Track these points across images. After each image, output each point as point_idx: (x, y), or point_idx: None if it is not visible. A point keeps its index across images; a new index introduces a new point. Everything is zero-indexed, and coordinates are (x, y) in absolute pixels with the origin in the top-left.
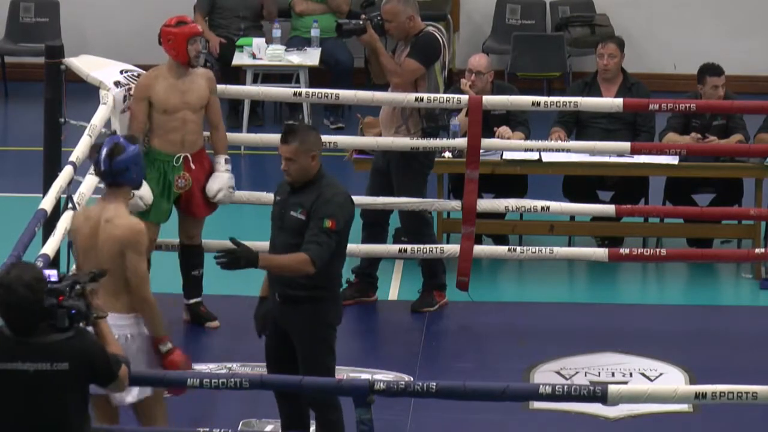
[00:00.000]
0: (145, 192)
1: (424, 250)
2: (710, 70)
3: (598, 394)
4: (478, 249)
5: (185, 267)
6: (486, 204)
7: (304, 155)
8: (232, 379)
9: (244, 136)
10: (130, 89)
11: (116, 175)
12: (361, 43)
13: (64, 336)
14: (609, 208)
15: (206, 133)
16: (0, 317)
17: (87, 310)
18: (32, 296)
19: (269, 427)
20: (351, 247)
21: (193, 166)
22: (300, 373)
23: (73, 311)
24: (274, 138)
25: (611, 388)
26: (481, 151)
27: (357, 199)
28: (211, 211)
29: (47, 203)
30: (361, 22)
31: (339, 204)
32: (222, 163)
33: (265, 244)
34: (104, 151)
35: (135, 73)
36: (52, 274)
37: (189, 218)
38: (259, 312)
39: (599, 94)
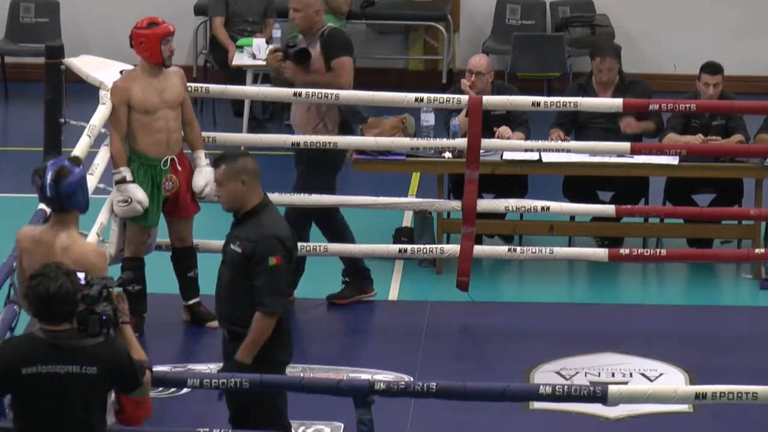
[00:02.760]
0: (141, 196)
1: (424, 250)
2: (706, 67)
3: (598, 394)
4: (479, 249)
5: (180, 269)
6: (486, 204)
7: (233, 179)
8: (233, 380)
9: (244, 137)
10: None
11: (64, 200)
12: (295, 70)
13: (95, 341)
14: (609, 209)
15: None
16: (37, 310)
17: (115, 316)
18: (71, 284)
19: None
20: (350, 247)
21: (179, 168)
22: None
23: (104, 317)
24: (274, 138)
25: (611, 388)
26: (481, 151)
27: (353, 199)
28: (197, 209)
29: None
30: (293, 49)
31: (280, 237)
32: (202, 158)
33: None
34: (49, 176)
35: None
36: (80, 275)
37: (178, 220)
38: None
39: (594, 97)
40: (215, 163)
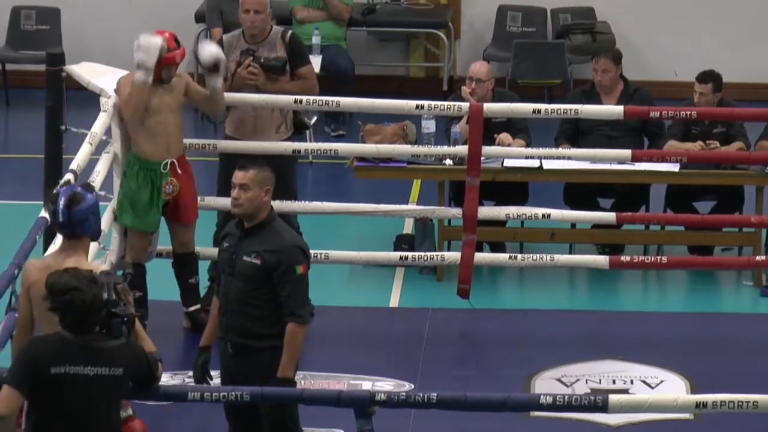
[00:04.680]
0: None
1: (425, 257)
2: (699, 76)
3: (599, 404)
4: (479, 256)
5: (181, 276)
6: (487, 211)
7: (258, 186)
8: (233, 393)
9: (247, 144)
10: None
11: (75, 226)
12: (266, 79)
13: (118, 343)
14: (610, 216)
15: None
16: (72, 322)
17: (130, 314)
18: (100, 292)
19: None
20: (351, 254)
21: (179, 171)
22: (264, 422)
23: (125, 319)
24: (276, 145)
25: (612, 398)
26: (481, 158)
27: (354, 206)
28: (196, 216)
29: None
30: (281, 63)
31: (302, 246)
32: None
33: None
34: (62, 202)
35: None
36: None
37: (179, 225)
38: (199, 361)
39: (599, 104)
40: (243, 166)
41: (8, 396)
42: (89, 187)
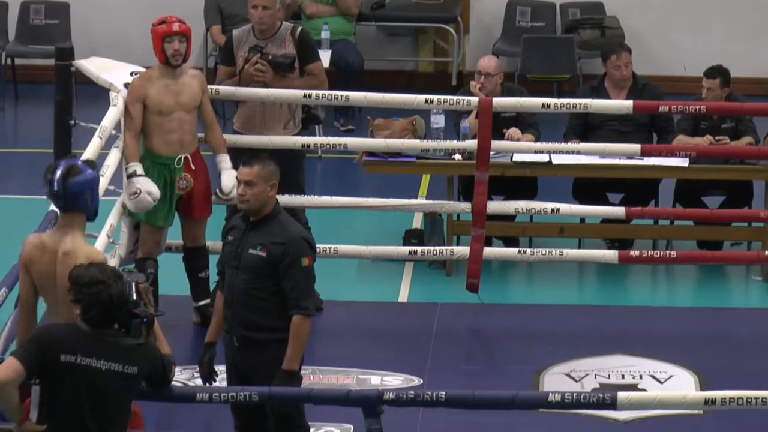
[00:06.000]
0: (151, 187)
1: (434, 252)
2: (706, 71)
3: (607, 401)
4: (488, 251)
5: (191, 270)
6: (496, 206)
7: (264, 181)
8: (242, 393)
9: (255, 138)
10: None
11: (69, 198)
12: (274, 76)
13: (136, 342)
14: (619, 210)
15: (200, 134)
16: (91, 313)
17: (150, 315)
18: (124, 288)
19: None
20: (360, 248)
21: (193, 167)
22: (268, 415)
23: (145, 319)
24: (284, 140)
25: (620, 395)
26: (491, 153)
27: (363, 201)
28: (210, 213)
29: None
30: (289, 61)
31: (307, 238)
32: (226, 160)
33: None
34: (59, 172)
35: None
36: None
37: (191, 220)
38: (205, 358)
39: (607, 99)
40: (247, 162)
41: (10, 364)
42: (90, 163)
